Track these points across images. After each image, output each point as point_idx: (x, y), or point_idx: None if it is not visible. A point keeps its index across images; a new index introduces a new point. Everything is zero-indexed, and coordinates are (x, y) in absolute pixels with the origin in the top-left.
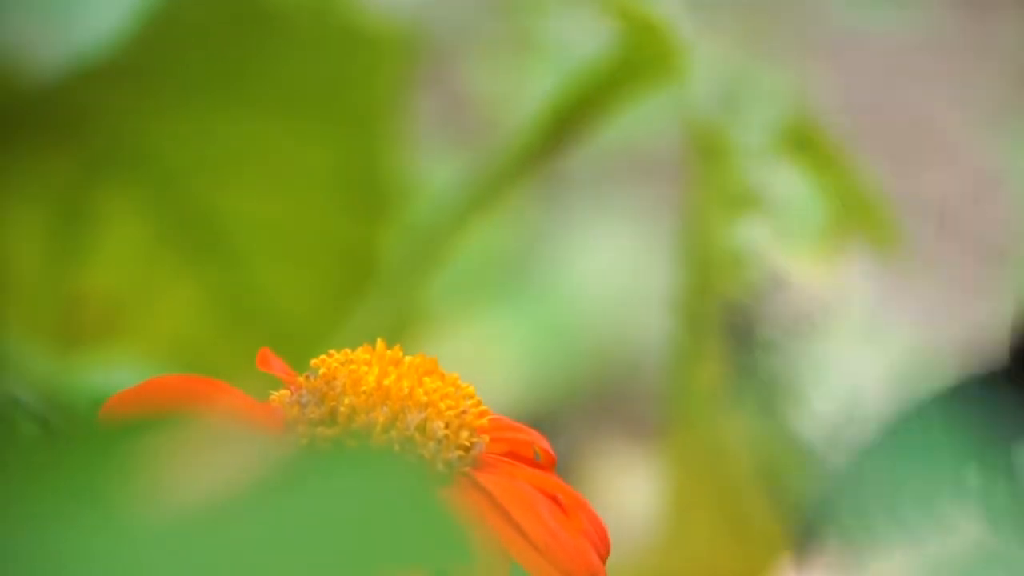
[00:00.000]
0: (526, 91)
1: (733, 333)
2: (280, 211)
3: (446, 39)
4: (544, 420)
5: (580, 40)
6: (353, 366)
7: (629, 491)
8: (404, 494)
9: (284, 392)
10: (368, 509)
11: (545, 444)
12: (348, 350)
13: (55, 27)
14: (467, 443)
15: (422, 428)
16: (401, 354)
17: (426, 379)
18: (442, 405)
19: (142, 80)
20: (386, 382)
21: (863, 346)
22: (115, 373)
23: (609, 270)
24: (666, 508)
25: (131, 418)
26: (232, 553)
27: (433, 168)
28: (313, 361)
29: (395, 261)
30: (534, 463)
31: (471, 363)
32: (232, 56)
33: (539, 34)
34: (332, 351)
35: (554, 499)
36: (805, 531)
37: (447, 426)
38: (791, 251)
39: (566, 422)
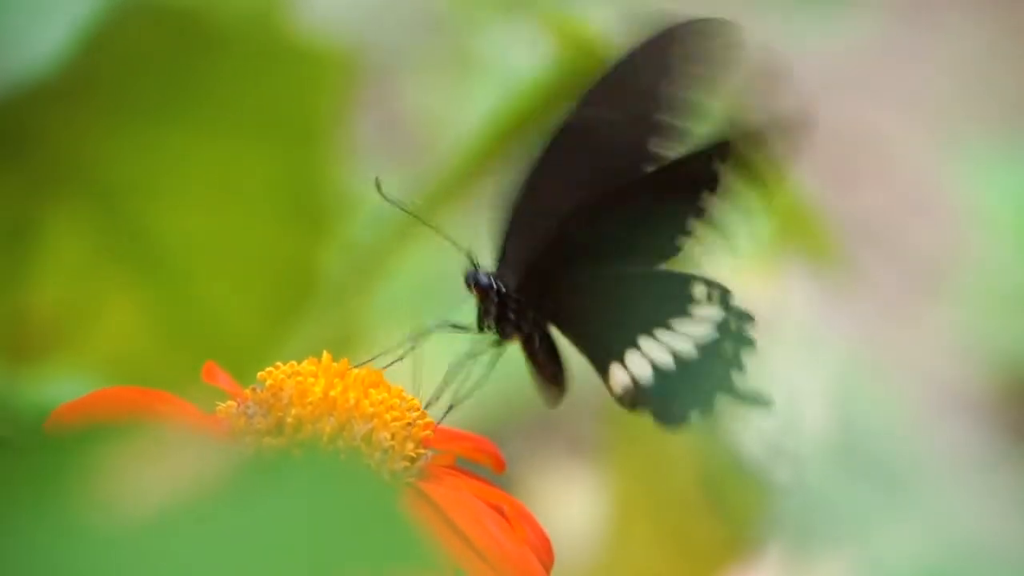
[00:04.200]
0: (465, 108)
1: None
2: (221, 227)
3: (386, 57)
4: (487, 435)
5: (519, 58)
6: (300, 378)
7: (572, 504)
8: (364, 500)
9: (231, 403)
10: (328, 514)
11: (493, 449)
12: (294, 363)
13: None
14: (413, 454)
15: (368, 439)
16: (347, 366)
17: (372, 391)
18: (388, 416)
19: (85, 99)
20: (332, 393)
21: (802, 360)
22: (60, 386)
23: None
24: (608, 520)
25: (80, 428)
26: (185, 560)
27: (373, 185)
28: (260, 373)
29: (335, 277)
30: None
31: (412, 378)
32: (174, 75)
33: (478, 52)
34: (278, 363)
35: (498, 510)
36: (748, 541)
37: (393, 437)
38: (730, 266)
39: (509, 437)
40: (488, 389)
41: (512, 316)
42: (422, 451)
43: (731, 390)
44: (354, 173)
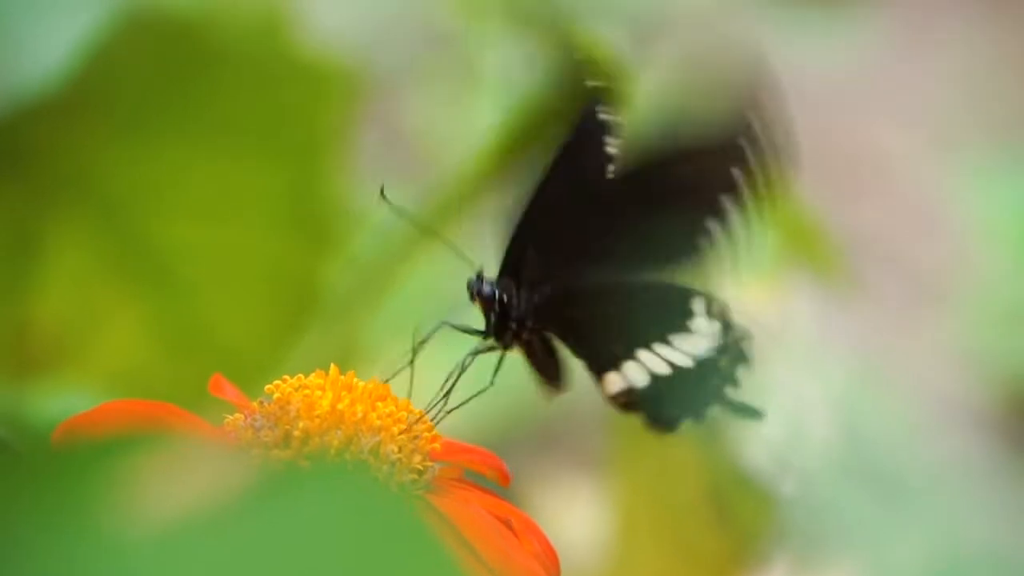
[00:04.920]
0: (469, 124)
1: None
2: (225, 241)
3: (389, 72)
4: (491, 448)
5: (523, 73)
6: (307, 391)
7: (577, 517)
8: (379, 511)
9: (238, 416)
10: (343, 527)
11: (499, 463)
12: (302, 375)
13: (0, 64)
14: (420, 467)
15: (375, 452)
16: (355, 380)
17: (379, 404)
18: (395, 429)
19: (87, 113)
20: (340, 406)
21: (806, 372)
22: (64, 400)
23: None
24: (614, 533)
25: (91, 441)
26: (200, 574)
27: (376, 200)
28: (267, 386)
29: (339, 291)
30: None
31: (417, 393)
32: (177, 90)
33: (482, 67)
34: (286, 376)
35: (506, 523)
36: (754, 552)
37: (400, 450)
38: (735, 280)
39: (513, 450)
40: (492, 402)
41: (513, 326)
42: (429, 464)
43: (724, 402)
44: (358, 187)
